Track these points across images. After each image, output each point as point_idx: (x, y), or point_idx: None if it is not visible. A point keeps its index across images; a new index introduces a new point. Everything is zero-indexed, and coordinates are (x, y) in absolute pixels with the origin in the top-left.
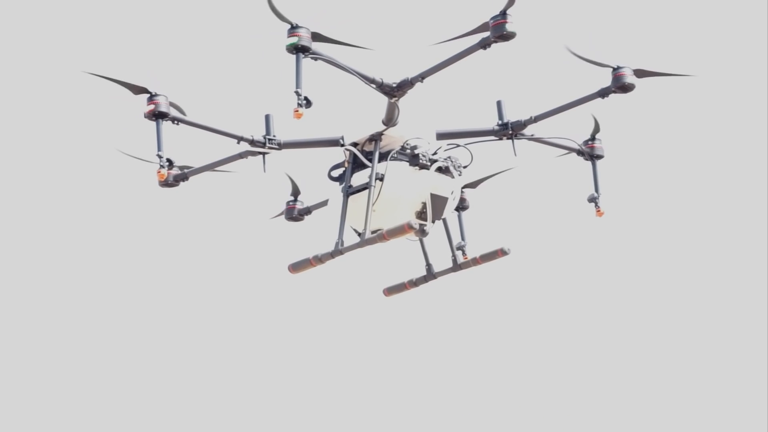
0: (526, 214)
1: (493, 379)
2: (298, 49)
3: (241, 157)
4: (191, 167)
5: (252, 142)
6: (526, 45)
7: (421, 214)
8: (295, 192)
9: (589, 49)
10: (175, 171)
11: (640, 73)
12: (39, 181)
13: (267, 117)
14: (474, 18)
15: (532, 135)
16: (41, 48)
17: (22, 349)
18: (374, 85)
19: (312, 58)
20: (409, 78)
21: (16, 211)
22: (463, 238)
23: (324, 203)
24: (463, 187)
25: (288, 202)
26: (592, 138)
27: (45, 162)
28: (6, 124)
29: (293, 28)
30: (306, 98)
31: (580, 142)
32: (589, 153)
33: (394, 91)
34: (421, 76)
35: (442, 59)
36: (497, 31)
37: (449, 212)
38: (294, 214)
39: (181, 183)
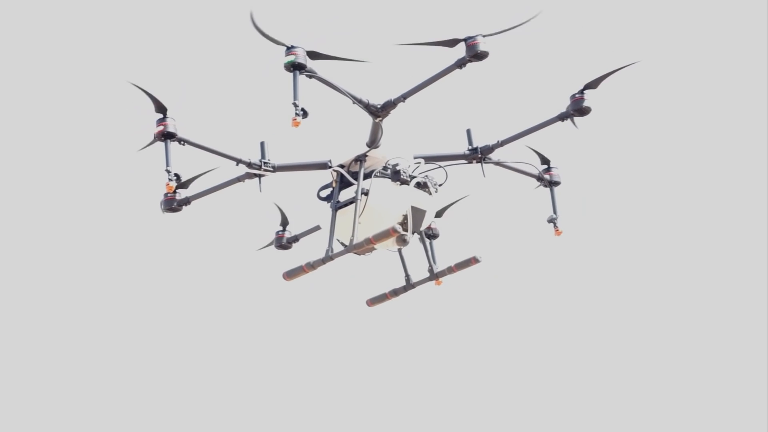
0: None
1: (473, 380)
2: (295, 67)
3: (239, 181)
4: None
5: (249, 165)
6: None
7: (403, 226)
8: (284, 222)
9: None
10: (179, 195)
11: (592, 84)
12: (40, 200)
13: (262, 144)
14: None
15: (498, 160)
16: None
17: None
18: (361, 105)
19: (307, 75)
20: (392, 99)
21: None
22: (435, 262)
23: (315, 228)
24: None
25: (277, 232)
26: (549, 167)
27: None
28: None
29: (290, 48)
30: (303, 109)
31: (540, 168)
32: (548, 180)
33: (379, 112)
34: (403, 97)
35: (421, 80)
36: (472, 50)
37: (426, 225)
38: (282, 242)
39: (184, 207)
